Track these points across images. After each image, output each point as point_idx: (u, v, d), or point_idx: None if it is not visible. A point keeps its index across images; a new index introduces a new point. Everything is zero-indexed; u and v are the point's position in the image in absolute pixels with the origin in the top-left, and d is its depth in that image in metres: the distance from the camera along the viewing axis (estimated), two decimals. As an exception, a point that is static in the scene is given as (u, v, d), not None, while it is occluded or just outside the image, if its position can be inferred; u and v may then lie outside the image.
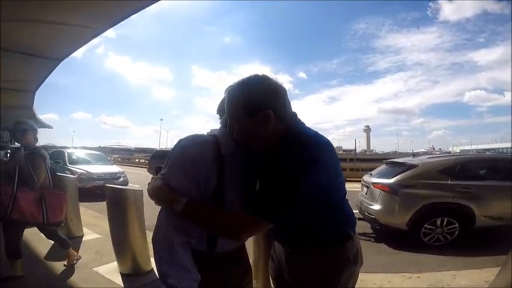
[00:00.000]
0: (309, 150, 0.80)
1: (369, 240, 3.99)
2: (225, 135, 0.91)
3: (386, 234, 4.03)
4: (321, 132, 0.90)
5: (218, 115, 1.00)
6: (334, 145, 1.04)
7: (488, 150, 63.38)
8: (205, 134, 0.98)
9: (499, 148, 66.42)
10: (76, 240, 3.32)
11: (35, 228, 2.48)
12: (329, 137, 0.93)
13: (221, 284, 0.93)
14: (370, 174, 4.95)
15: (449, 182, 3.76)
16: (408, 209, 3.72)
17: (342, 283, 0.96)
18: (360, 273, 2.53)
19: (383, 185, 4.01)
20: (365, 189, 4.55)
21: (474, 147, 78.13)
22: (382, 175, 4.40)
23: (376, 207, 3.97)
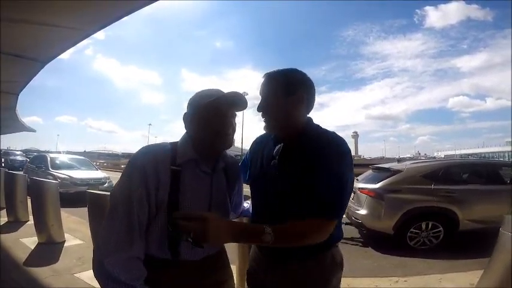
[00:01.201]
0: (344, 145, 0.90)
1: (357, 244, 4.04)
2: (183, 145, 0.92)
3: (373, 239, 4.07)
4: (343, 141, 0.94)
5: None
6: None
7: (471, 155, 65.60)
8: (168, 142, 0.95)
9: (481, 153, 68.86)
10: (58, 246, 3.23)
11: (14, 234, 2.39)
12: None
13: None
14: (357, 179, 5.03)
15: (432, 186, 3.83)
16: (394, 214, 3.76)
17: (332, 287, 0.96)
18: (347, 278, 2.53)
19: (369, 190, 4.06)
20: (352, 194, 4.61)
21: (458, 152, 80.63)
22: (368, 180, 4.45)
23: (363, 212, 4.01)
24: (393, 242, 3.79)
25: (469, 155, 64.17)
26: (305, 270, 0.93)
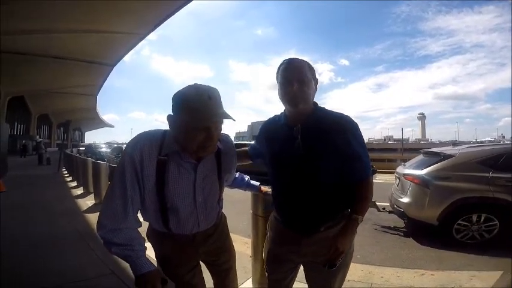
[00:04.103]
0: (353, 120, 1.13)
1: (398, 234, 3.87)
2: (169, 139, 1.00)
3: (416, 229, 3.84)
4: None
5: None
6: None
7: None
8: (161, 131, 1.04)
9: None
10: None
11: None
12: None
13: (187, 260, 1.13)
14: (404, 165, 4.71)
15: (490, 174, 3.39)
16: (440, 203, 3.48)
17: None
18: (369, 266, 2.57)
19: (413, 176, 3.81)
20: (397, 181, 4.37)
21: None
22: (416, 166, 4.12)
23: (406, 199, 3.80)
24: (437, 233, 3.52)
25: None
26: (332, 234, 1.11)
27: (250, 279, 2.09)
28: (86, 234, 3.42)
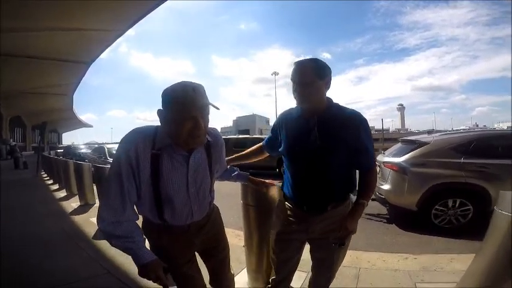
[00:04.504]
0: (362, 115, 1.27)
1: (381, 221, 4.08)
2: (161, 133, 1.04)
3: (398, 216, 4.06)
4: (360, 112, 1.30)
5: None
6: None
7: None
8: (154, 126, 1.09)
9: None
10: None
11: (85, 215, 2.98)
12: None
13: (183, 251, 1.18)
14: (383, 153, 4.89)
15: (462, 160, 3.59)
16: (418, 189, 3.65)
17: None
18: (356, 251, 2.70)
19: (392, 164, 3.97)
20: (378, 169, 4.50)
21: None
22: (394, 154, 4.29)
23: (386, 187, 3.96)
24: (417, 219, 3.70)
25: (536, 126, 54.57)
26: (336, 213, 1.32)
27: (245, 270, 2.16)
28: (76, 236, 3.39)
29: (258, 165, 1.61)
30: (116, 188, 0.99)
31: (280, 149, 1.43)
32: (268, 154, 1.68)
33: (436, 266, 2.34)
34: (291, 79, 1.26)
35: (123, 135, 1.05)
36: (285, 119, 1.43)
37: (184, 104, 0.96)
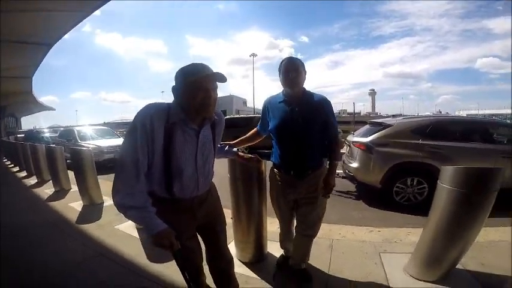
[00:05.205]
0: (328, 99, 1.73)
1: (350, 197, 4.48)
2: (174, 107, 1.13)
3: (365, 192, 4.47)
4: (326, 96, 1.74)
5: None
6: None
7: (495, 115, 61.24)
8: (166, 103, 1.17)
9: (506, 114, 64.21)
10: (99, 207, 3.93)
11: (63, 200, 2.95)
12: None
13: (187, 224, 1.28)
14: (353, 133, 5.21)
15: (420, 141, 3.89)
16: (381, 167, 3.95)
17: None
18: (331, 224, 3.00)
19: (360, 143, 4.23)
20: (348, 148, 4.85)
21: (481, 112, 76.39)
22: (362, 135, 4.54)
23: (354, 165, 4.24)
24: (381, 195, 4.03)
25: (492, 115, 59.75)
26: (316, 175, 1.77)
27: (233, 243, 2.37)
28: (59, 222, 3.37)
29: (260, 145, 2.26)
30: (132, 159, 1.04)
31: (269, 128, 1.79)
32: (264, 135, 2.01)
33: (396, 238, 2.65)
34: (284, 69, 1.66)
35: (138, 111, 1.09)
36: (269, 104, 1.82)
37: (196, 77, 1.09)
